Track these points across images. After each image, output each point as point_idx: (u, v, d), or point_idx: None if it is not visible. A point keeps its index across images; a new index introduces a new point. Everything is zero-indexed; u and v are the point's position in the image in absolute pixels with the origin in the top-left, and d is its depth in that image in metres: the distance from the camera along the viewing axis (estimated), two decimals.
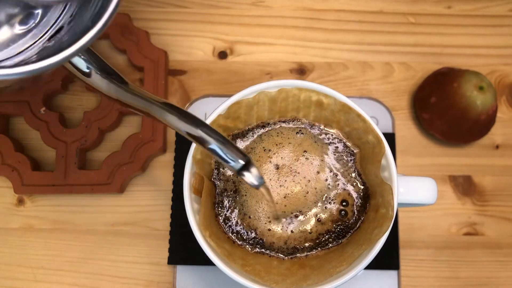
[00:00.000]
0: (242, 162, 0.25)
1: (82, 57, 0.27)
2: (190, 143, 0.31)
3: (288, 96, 0.32)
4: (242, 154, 0.25)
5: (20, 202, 0.40)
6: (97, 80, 0.28)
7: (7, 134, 0.40)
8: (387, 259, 0.37)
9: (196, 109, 0.41)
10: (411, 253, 0.40)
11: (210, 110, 0.32)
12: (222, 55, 0.44)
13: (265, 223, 0.31)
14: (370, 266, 0.29)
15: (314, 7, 0.45)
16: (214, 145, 0.25)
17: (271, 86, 0.32)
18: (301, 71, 0.43)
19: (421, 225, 0.40)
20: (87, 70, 0.28)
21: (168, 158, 0.41)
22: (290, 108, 0.33)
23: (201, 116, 0.40)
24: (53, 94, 0.42)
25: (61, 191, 0.39)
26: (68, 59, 0.24)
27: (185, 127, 0.25)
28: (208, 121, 0.31)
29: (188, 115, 0.26)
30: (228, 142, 0.25)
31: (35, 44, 0.29)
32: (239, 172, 0.26)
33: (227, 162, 0.25)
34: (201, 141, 0.25)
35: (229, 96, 0.32)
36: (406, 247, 0.40)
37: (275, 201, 0.31)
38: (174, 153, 0.40)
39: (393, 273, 0.38)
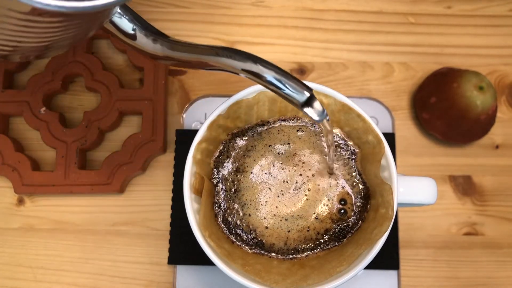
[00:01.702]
0: (307, 94, 0.24)
1: (125, 16, 0.26)
2: (190, 143, 0.31)
3: None
4: (306, 86, 0.25)
5: (20, 202, 0.40)
6: (143, 40, 0.27)
7: (7, 134, 0.41)
8: (387, 259, 0.37)
9: (196, 109, 0.41)
10: (411, 253, 0.40)
11: (210, 110, 0.32)
12: None
13: (263, 219, 0.31)
14: (370, 266, 0.29)
15: (314, 7, 0.45)
16: (273, 78, 0.24)
17: None
18: (301, 71, 0.43)
19: (421, 225, 0.40)
20: (132, 32, 0.27)
21: (168, 158, 0.41)
22: (290, 108, 0.33)
23: (201, 116, 0.41)
24: (53, 94, 0.42)
25: (61, 191, 0.39)
26: (114, 4, 0.22)
27: (243, 66, 0.25)
28: (208, 121, 0.31)
29: (244, 53, 0.25)
30: (289, 74, 0.24)
31: None
32: (302, 106, 0.25)
33: (289, 95, 0.24)
34: (260, 76, 0.25)
35: (229, 96, 0.32)
36: (406, 247, 0.40)
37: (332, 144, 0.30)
38: (174, 153, 0.40)
39: (393, 273, 0.38)
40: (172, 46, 0.27)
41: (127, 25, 0.27)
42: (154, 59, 0.28)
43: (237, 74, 0.25)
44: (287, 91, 0.24)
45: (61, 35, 0.24)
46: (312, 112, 0.25)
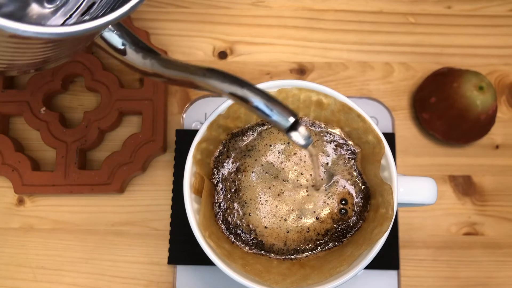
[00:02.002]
0: (292, 120, 0.24)
1: (115, 32, 0.26)
2: (190, 143, 0.31)
3: (288, 96, 0.32)
4: (291, 111, 0.25)
5: (20, 202, 0.40)
6: (133, 55, 0.27)
7: (7, 134, 0.41)
8: (387, 259, 0.37)
9: (196, 109, 0.41)
10: (411, 253, 0.40)
11: (210, 110, 0.32)
12: (222, 55, 0.44)
13: (263, 219, 0.31)
14: (370, 266, 0.29)
15: (314, 7, 0.45)
16: (260, 103, 0.24)
17: (271, 86, 0.32)
18: (301, 71, 0.43)
19: (421, 225, 0.40)
20: (122, 47, 0.27)
21: (168, 158, 0.41)
22: (290, 107, 0.33)
23: (201, 116, 0.41)
24: (53, 94, 0.42)
25: (61, 191, 0.39)
26: (106, 25, 0.22)
27: (229, 89, 0.25)
28: (208, 121, 0.31)
29: (231, 77, 0.25)
30: (274, 99, 0.24)
31: (69, 20, 0.28)
32: (287, 131, 0.25)
33: (275, 120, 0.24)
34: (246, 101, 0.25)
35: None
36: (406, 247, 0.40)
37: (320, 165, 0.30)
38: (174, 153, 0.40)
39: (393, 273, 0.38)
40: (162, 64, 0.27)
41: (116, 40, 0.27)
42: (144, 75, 0.28)
43: (223, 96, 0.25)
44: (273, 116, 0.24)
45: (54, 52, 0.24)
46: (298, 137, 0.25)
